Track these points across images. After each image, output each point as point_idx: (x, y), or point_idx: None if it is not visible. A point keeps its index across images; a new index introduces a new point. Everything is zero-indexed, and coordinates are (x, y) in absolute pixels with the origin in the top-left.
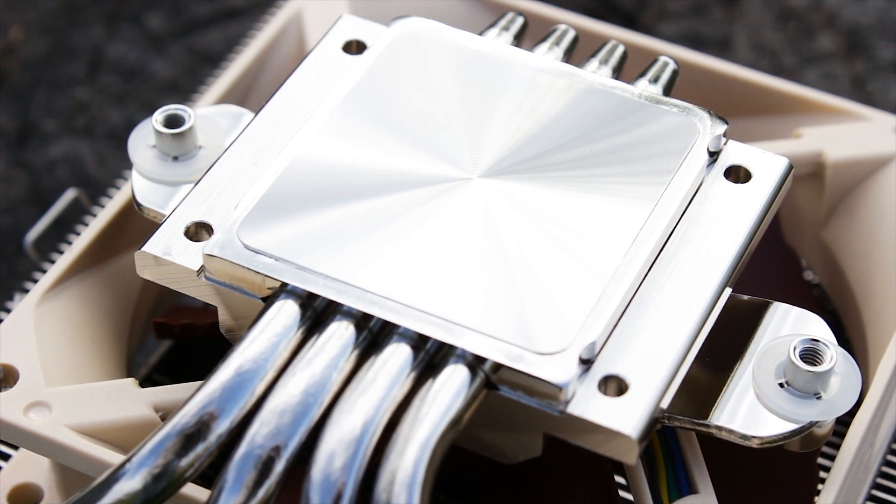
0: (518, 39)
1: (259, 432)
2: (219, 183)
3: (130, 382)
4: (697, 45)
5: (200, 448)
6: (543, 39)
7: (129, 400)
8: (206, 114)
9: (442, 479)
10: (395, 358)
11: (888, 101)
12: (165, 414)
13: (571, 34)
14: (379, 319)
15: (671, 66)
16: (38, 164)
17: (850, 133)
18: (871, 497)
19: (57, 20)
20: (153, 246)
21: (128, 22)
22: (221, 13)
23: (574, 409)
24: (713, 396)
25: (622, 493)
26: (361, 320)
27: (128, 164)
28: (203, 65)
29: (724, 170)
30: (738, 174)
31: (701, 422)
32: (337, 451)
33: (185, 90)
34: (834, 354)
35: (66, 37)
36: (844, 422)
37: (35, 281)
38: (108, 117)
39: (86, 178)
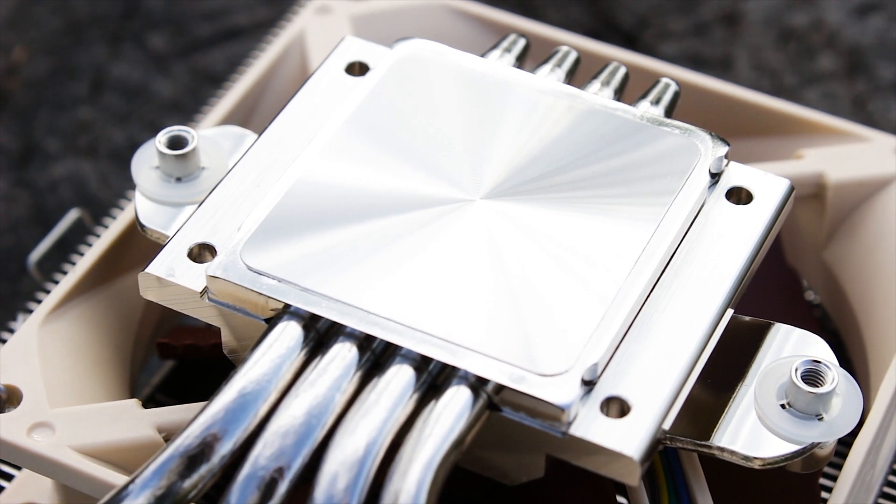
0: (520, 61)
1: (262, 453)
2: (222, 204)
3: (134, 403)
4: (698, 65)
5: (204, 469)
6: (545, 61)
7: (133, 421)
8: (209, 135)
9: (444, 500)
10: (398, 379)
11: (888, 120)
12: (169, 435)
13: (573, 56)
14: (382, 341)
15: (672, 87)
16: (40, 183)
17: (851, 154)
18: None
19: (60, 40)
20: (156, 267)
21: (130, 42)
22: (224, 33)
23: (576, 430)
24: (715, 418)
25: None
26: (364, 342)
27: (131, 184)
28: (206, 85)
29: (725, 191)
30: (739, 196)
31: (703, 443)
32: (340, 473)
33: (188, 110)
34: (835, 376)
35: (68, 57)
36: (846, 442)
37: (38, 301)
38: (110, 137)
39: (89, 198)
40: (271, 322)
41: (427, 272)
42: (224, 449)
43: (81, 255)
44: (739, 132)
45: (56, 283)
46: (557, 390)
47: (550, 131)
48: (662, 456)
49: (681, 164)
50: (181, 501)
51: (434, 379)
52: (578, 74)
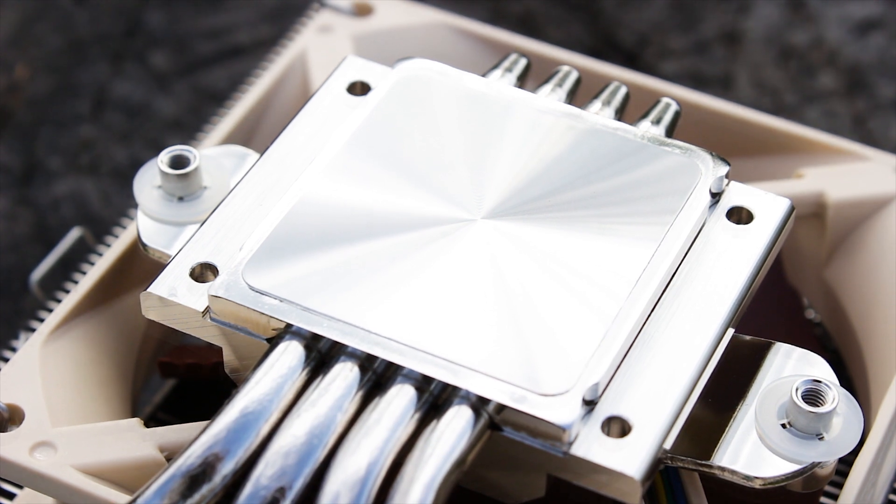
0: (521, 80)
1: (264, 473)
2: (224, 223)
3: (136, 422)
4: (699, 84)
5: (205, 489)
6: (546, 81)
7: (135, 440)
8: (211, 154)
9: None
10: (400, 399)
11: (889, 139)
12: (171, 454)
13: (574, 75)
14: (383, 360)
15: (673, 107)
16: (43, 201)
17: (851, 173)
18: None
19: (62, 58)
20: (158, 287)
21: (132, 60)
22: (225, 51)
23: (577, 450)
24: (716, 437)
25: None
26: (366, 361)
27: (133, 202)
28: (207, 103)
29: (726, 211)
30: (740, 215)
31: (704, 462)
32: (342, 493)
33: (190, 128)
34: (836, 395)
35: (70, 75)
36: (847, 461)
37: (40, 320)
38: (112, 155)
39: (91, 216)
40: (273, 342)
41: (428, 292)
42: (226, 469)
43: (83, 273)
44: (740, 151)
45: (58, 301)
46: (558, 410)
47: (551, 151)
48: (663, 475)
49: (681, 184)
50: None
51: (435, 398)
52: (579, 94)
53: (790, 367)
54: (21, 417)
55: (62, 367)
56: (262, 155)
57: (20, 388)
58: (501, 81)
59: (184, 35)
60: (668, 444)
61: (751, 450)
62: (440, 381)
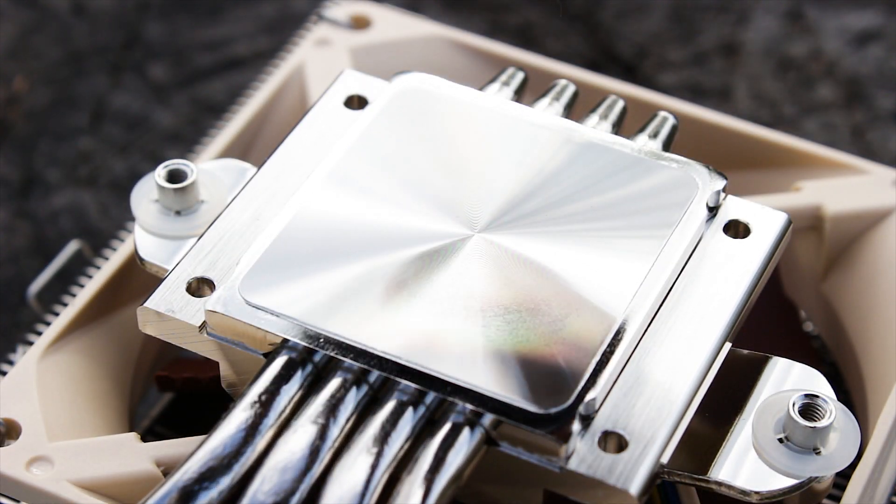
0: (518, 94)
1: (260, 489)
2: (221, 238)
3: (132, 437)
4: (697, 95)
5: None
6: (544, 94)
7: (131, 455)
8: (208, 168)
9: None
10: (396, 414)
11: (887, 150)
12: (167, 469)
13: (571, 89)
14: (380, 375)
15: (670, 121)
16: (41, 214)
17: (848, 186)
18: None
19: (60, 70)
20: (155, 302)
21: (131, 72)
22: (224, 63)
23: (574, 465)
24: (713, 451)
25: None
26: (362, 376)
27: (131, 215)
28: (206, 115)
29: (723, 225)
30: (737, 229)
31: (701, 477)
32: None
33: (188, 140)
34: (833, 410)
35: (69, 87)
36: (845, 475)
37: (38, 333)
38: (111, 167)
39: (89, 229)
40: (270, 356)
41: (424, 307)
42: (222, 484)
43: (81, 286)
44: (737, 164)
45: (56, 314)
46: (555, 425)
47: (548, 165)
48: (660, 489)
49: (678, 198)
50: None
51: (432, 413)
52: (578, 106)
53: (787, 381)
54: (18, 432)
55: (59, 380)
56: (258, 169)
57: (17, 403)
58: (499, 95)
59: (182, 47)
60: (665, 459)
61: (748, 464)
62: (437, 396)
